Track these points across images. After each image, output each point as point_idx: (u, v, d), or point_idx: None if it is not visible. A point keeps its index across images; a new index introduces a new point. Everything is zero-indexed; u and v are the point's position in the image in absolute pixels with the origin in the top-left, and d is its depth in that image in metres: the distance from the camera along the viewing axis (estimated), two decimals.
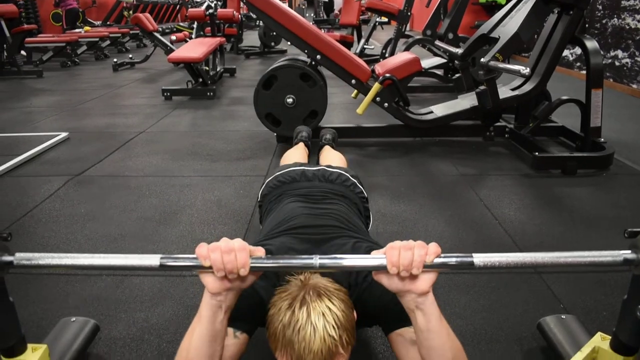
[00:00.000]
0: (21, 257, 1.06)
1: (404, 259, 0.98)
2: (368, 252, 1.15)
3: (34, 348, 1.23)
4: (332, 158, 2.47)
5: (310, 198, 1.60)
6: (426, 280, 1.01)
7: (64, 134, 3.89)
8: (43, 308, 1.75)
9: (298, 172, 1.78)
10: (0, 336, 1.16)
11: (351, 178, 1.78)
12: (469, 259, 1.03)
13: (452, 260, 1.03)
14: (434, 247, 1.01)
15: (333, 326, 1.03)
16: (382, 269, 1.01)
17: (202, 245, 1.02)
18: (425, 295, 1.02)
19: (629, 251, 1.05)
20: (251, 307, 1.20)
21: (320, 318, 1.03)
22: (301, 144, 2.75)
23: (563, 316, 1.55)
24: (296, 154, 2.50)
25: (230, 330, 1.18)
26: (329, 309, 1.05)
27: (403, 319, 1.13)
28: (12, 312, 1.16)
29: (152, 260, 1.05)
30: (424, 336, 1.06)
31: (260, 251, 1.04)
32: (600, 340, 1.24)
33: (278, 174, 1.80)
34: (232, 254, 0.99)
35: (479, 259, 1.02)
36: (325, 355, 1.01)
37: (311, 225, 1.40)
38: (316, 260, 1.04)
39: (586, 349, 1.23)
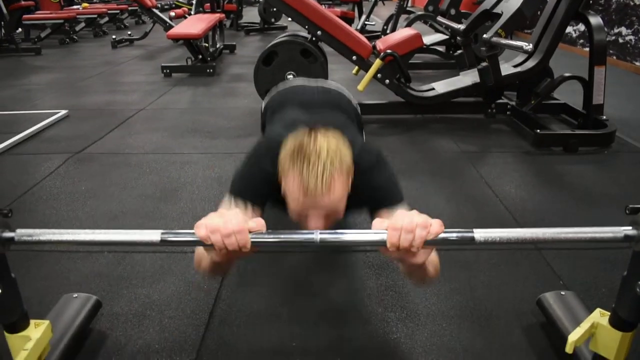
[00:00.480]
0: (22, 234, 1.06)
1: (405, 241, 0.99)
2: (359, 153, 1.34)
3: (36, 324, 1.24)
4: None
5: (309, 106, 1.71)
6: (423, 254, 1.03)
7: (63, 112, 3.87)
8: (45, 285, 1.76)
9: (299, 86, 1.94)
10: (3, 312, 1.16)
11: (347, 94, 1.91)
12: (469, 234, 1.03)
13: (453, 235, 1.03)
14: (436, 226, 1.01)
15: (335, 152, 1.18)
16: (382, 244, 1.01)
17: (200, 226, 1.02)
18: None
19: (630, 227, 1.05)
20: (263, 189, 1.35)
21: (324, 144, 1.19)
22: None
23: (562, 292, 1.56)
24: None
25: (249, 205, 1.32)
26: (333, 140, 1.21)
27: (384, 202, 1.34)
28: (15, 288, 1.17)
29: (153, 235, 1.05)
30: (409, 270, 1.21)
31: (259, 224, 1.04)
32: (599, 317, 1.24)
33: (281, 89, 1.94)
34: (232, 236, 1.00)
35: (480, 234, 1.02)
36: (327, 174, 1.15)
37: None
38: (317, 235, 1.04)
39: (585, 325, 1.23)
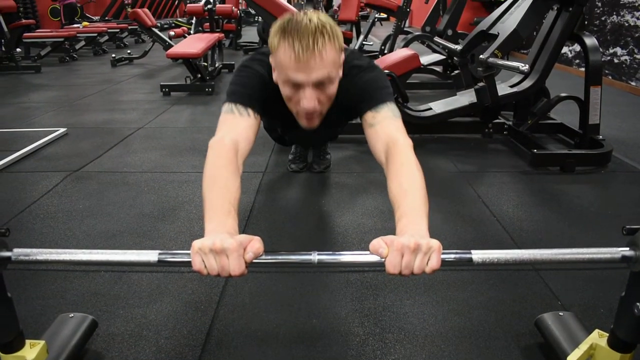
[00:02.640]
0: (19, 253, 1.06)
1: (405, 269, 0.99)
2: (351, 54, 1.45)
3: (32, 344, 1.23)
4: None
5: None
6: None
7: (62, 130, 3.88)
8: (41, 304, 1.75)
9: None
10: None
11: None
12: (467, 255, 1.03)
13: (451, 256, 1.03)
14: (434, 262, 1.00)
15: (326, 21, 1.21)
16: (380, 266, 1.01)
17: (196, 260, 0.99)
18: None
19: (627, 248, 1.05)
20: (259, 89, 1.38)
21: (314, 15, 1.21)
22: None
23: (561, 313, 1.55)
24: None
25: (250, 110, 1.35)
26: (324, 15, 1.23)
27: (370, 100, 1.38)
28: (10, 307, 1.16)
29: (150, 255, 1.05)
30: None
31: (256, 252, 1.01)
32: (598, 337, 1.24)
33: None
34: (227, 268, 0.98)
35: (478, 255, 1.03)
36: (318, 37, 1.17)
37: None
38: (315, 256, 1.04)
39: (584, 346, 1.23)
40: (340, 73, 1.33)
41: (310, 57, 1.18)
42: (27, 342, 1.23)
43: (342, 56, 1.32)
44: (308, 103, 1.25)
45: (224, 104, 1.40)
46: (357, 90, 1.39)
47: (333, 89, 1.30)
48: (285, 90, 1.31)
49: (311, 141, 2.67)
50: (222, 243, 0.97)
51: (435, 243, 1.00)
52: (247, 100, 1.37)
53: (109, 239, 2.23)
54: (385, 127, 1.35)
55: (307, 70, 1.20)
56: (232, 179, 1.20)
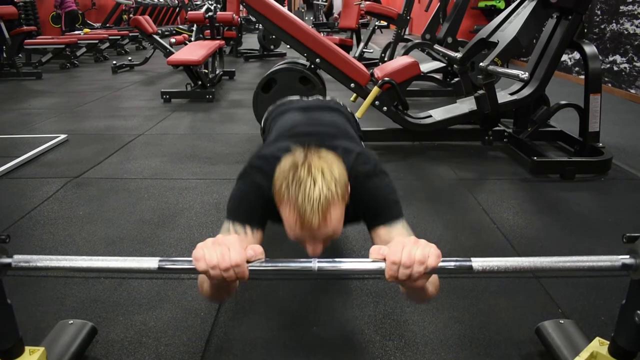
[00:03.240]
0: (19, 259, 1.06)
1: (402, 275, 1.00)
2: (357, 159, 1.37)
3: (31, 350, 1.23)
4: None
5: (308, 109, 1.75)
6: (423, 280, 1.03)
7: (62, 136, 3.88)
8: (41, 310, 1.75)
9: (298, 99, 1.99)
10: None
11: (343, 104, 1.95)
12: (467, 263, 1.03)
13: (451, 264, 1.03)
14: (433, 260, 1.01)
15: (330, 179, 1.16)
16: (380, 274, 1.01)
17: (199, 259, 1.01)
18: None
19: (628, 256, 1.05)
20: (257, 206, 1.34)
21: (319, 173, 1.16)
22: None
23: (561, 321, 1.55)
24: None
25: (248, 229, 1.31)
26: (327, 166, 1.19)
27: (383, 215, 1.34)
28: (10, 314, 1.16)
29: (151, 263, 1.05)
30: (409, 291, 1.20)
31: (257, 253, 1.04)
32: (599, 345, 1.24)
33: (278, 102, 1.97)
34: (231, 270, 1.00)
35: (478, 263, 1.03)
36: (323, 203, 1.14)
37: (309, 132, 1.54)
38: (315, 263, 1.04)
39: (584, 354, 1.23)
40: (344, 210, 1.24)
41: (314, 223, 1.14)
42: (27, 348, 1.23)
43: (347, 200, 1.24)
44: (313, 252, 1.20)
45: (224, 221, 1.35)
46: (367, 201, 1.33)
47: (338, 234, 1.24)
48: (288, 234, 1.23)
49: None
50: (224, 238, 1.03)
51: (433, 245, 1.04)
52: (245, 219, 1.32)
53: (109, 246, 2.23)
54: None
55: (311, 231, 1.17)
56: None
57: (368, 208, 1.35)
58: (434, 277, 1.23)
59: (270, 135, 1.73)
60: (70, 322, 1.55)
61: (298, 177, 1.16)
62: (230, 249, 1.00)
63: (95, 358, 1.51)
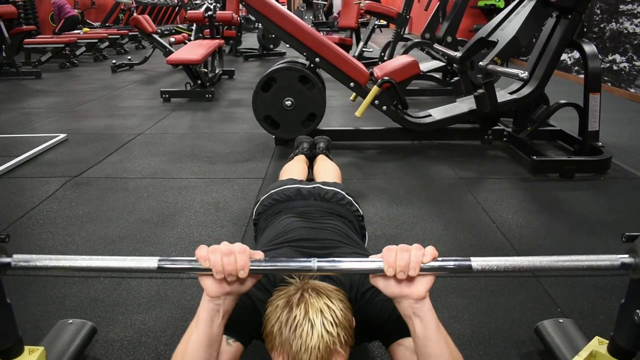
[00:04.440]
0: (19, 259, 1.06)
1: (401, 260, 0.98)
2: (364, 279, 1.18)
3: (31, 350, 1.23)
4: (327, 171, 2.47)
5: (307, 215, 1.60)
6: (423, 285, 1.00)
7: (62, 135, 3.88)
8: (40, 310, 1.75)
9: (293, 190, 1.78)
10: None
11: (347, 196, 1.78)
12: (467, 263, 1.03)
13: (450, 263, 1.03)
14: (430, 249, 1.01)
15: (331, 323, 1.01)
16: (379, 271, 1.01)
17: (201, 248, 1.02)
18: (422, 300, 1.01)
19: (627, 255, 1.05)
20: (247, 317, 1.18)
21: (318, 315, 1.01)
22: (302, 157, 2.76)
23: (561, 320, 1.55)
24: (295, 168, 2.51)
25: (224, 337, 1.14)
26: (327, 306, 1.03)
27: (402, 329, 1.11)
28: (10, 314, 1.16)
29: (150, 262, 1.04)
30: (422, 343, 1.02)
31: (259, 254, 1.05)
32: (598, 345, 1.24)
33: (272, 192, 1.80)
34: (232, 256, 0.99)
35: (477, 262, 1.02)
36: (323, 353, 0.98)
37: (310, 238, 1.41)
38: (314, 263, 1.03)
39: (584, 353, 1.23)
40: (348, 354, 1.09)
41: None
42: (26, 348, 1.23)
43: (352, 342, 1.08)
44: None
45: None
46: (377, 316, 1.19)
47: None
48: None
49: None
50: (228, 245, 1.01)
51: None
52: (231, 331, 1.16)
53: (109, 245, 2.23)
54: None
55: None
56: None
57: (379, 325, 1.21)
58: (455, 352, 1.08)
59: (265, 233, 1.60)
60: (69, 322, 1.55)
61: (293, 318, 1.01)
62: (236, 254, 1.00)
63: (94, 357, 1.52)
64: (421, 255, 0.99)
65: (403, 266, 0.98)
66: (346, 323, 1.04)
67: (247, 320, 1.18)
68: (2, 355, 1.18)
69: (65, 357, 1.40)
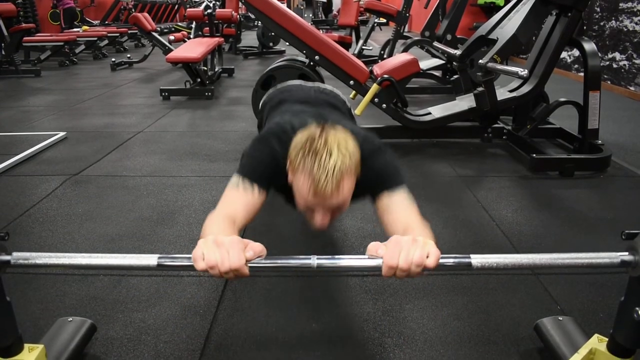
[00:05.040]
0: (18, 257, 1.06)
1: (400, 276, 0.99)
2: (364, 140, 1.40)
3: (30, 348, 1.23)
4: None
5: (308, 103, 1.78)
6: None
7: (61, 134, 3.88)
8: (40, 308, 1.75)
9: (296, 84, 2.03)
10: None
11: (342, 96, 2.03)
12: (466, 260, 1.03)
13: (450, 261, 1.03)
14: (432, 260, 1.00)
15: (346, 150, 1.22)
16: (379, 269, 1.01)
17: (198, 259, 1.01)
18: None
19: (626, 253, 1.05)
20: (271, 170, 1.38)
21: (335, 144, 1.22)
22: None
23: (560, 318, 1.55)
24: None
25: (255, 187, 1.35)
26: (344, 139, 1.25)
27: (384, 182, 1.39)
28: (9, 311, 1.16)
29: (150, 260, 1.05)
30: None
31: (256, 252, 1.04)
32: (598, 342, 1.24)
33: (279, 86, 2.04)
34: (230, 273, 1.00)
35: (477, 260, 1.03)
36: (337, 174, 1.19)
37: (318, 115, 1.60)
38: (314, 260, 1.04)
39: (583, 351, 1.23)
40: (354, 184, 1.31)
41: (327, 192, 1.20)
42: (26, 346, 1.23)
43: (358, 174, 1.31)
44: (321, 223, 1.27)
45: (234, 175, 1.39)
46: (373, 174, 1.39)
47: (346, 207, 1.32)
48: (299, 204, 1.31)
49: None
50: (224, 239, 1.02)
51: (431, 241, 1.03)
52: (255, 177, 1.36)
53: (108, 243, 2.23)
54: (403, 213, 1.36)
55: (323, 200, 1.22)
56: (230, 231, 1.21)
57: (372, 180, 1.40)
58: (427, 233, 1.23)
59: (268, 119, 1.78)
60: (69, 320, 1.55)
61: (314, 148, 1.22)
62: (230, 251, 0.99)
63: (94, 355, 1.52)
64: (421, 270, 0.99)
65: (404, 266, 0.98)
66: (355, 156, 1.27)
67: (268, 171, 1.38)
68: (2, 353, 1.18)
69: (65, 354, 1.40)
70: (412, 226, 1.25)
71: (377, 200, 1.40)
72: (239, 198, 1.34)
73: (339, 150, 1.22)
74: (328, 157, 1.20)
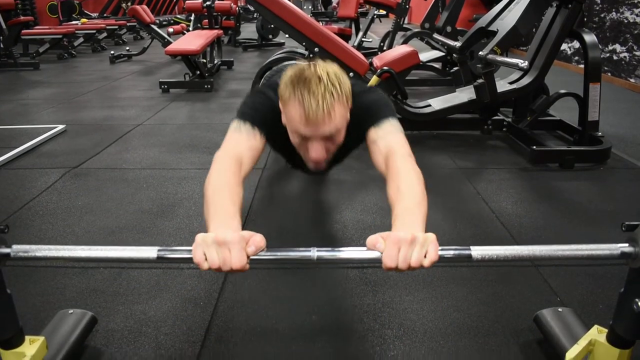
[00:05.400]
0: (18, 249, 1.06)
1: (402, 262, 0.98)
2: (355, 83, 1.43)
3: (31, 340, 1.24)
4: None
5: None
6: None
7: (61, 127, 3.87)
8: (41, 300, 1.75)
9: (292, 63, 1.98)
10: None
11: None
12: (467, 252, 1.03)
13: (450, 252, 1.03)
14: (432, 255, 0.99)
15: (335, 77, 1.24)
16: (378, 261, 1.00)
17: (201, 260, 0.99)
18: None
19: (626, 244, 1.05)
20: (269, 117, 1.41)
21: (324, 72, 1.24)
22: None
23: (560, 309, 1.56)
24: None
25: (257, 131, 1.38)
26: (333, 69, 1.27)
27: (372, 117, 1.39)
28: (10, 304, 1.16)
29: (150, 252, 1.04)
30: None
31: (257, 247, 1.01)
32: (597, 333, 1.24)
33: (274, 67, 2.12)
34: (228, 265, 0.97)
35: (477, 251, 1.03)
36: (328, 100, 1.20)
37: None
38: (314, 252, 1.04)
39: (583, 342, 1.23)
40: (348, 116, 1.34)
41: (319, 117, 1.21)
42: (27, 338, 1.23)
43: (350, 105, 1.33)
44: (316, 154, 1.29)
45: (232, 121, 1.42)
46: (360, 112, 1.41)
47: (341, 138, 1.34)
48: (293, 138, 1.34)
49: (316, 174, 2.66)
50: (225, 236, 0.98)
51: (431, 236, 1.00)
52: (255, 121, 1.39)
53: (109, 236, 2.23)
54: (386, 141, 1.36)
55: (316, 127, 1.24)
56: (237, 187, 1.21)
57: (360, 117, 1.41)
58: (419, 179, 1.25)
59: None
60: (70, 312, 1.55)
61: (304, 76, 1.24)
62: (232, 251, 0.97)
63: (95, 347, 1.52)
64: (423, 255, 0.98)
65: (403, 267, 0.98)
66: (346, 85, 1.28)
67: (267, 118, 1.41)
68: (3, 345, 1.19)
69: (66, 347, 1.40)
70: (392, 156, 1.27)
71: (367, 139, 1.41)
72: (244, 141, 1.37)
73: (329, 77, 1.23)
74: (317, 82, 1.21)
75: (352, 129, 1.38)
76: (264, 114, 1.42)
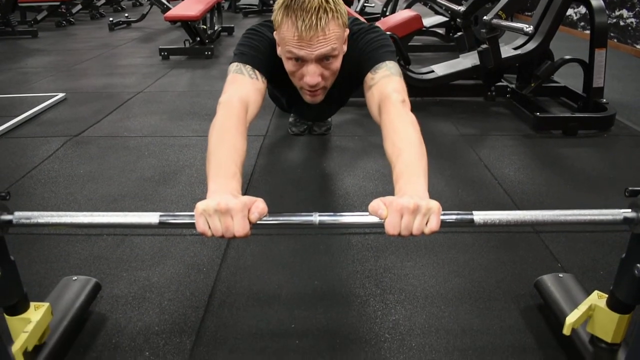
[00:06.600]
0: (20, 216, 1.06)
1: (405, 229, 0.98)
2: (354, 21, 1.45)
3: (36, 306, 1.25)
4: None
5: None
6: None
7: (61, 95, 3.85)
8: (44, 268, 1.76)
9: None
10: (3, 295, 1.16)
11: None
12: (469, 217, 1.03)
13: (452, 217, 1.03)
14: (433, 226, 0.99)
15: None
16: (380, 227, 1.00)
17: (204, 228, 0.99)
18: None
19: (629, 210, 1.05)
20: (268, 56, 1.39)
21: None
22: None
23: (560, 275, 1.56)
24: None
25: (257, 73, 1.35)
26: None
27: (368, 61, 1.37)
28: (14, 271, 1.17)
29: (152, 217, 1.05)
30: None
31: (260, 213, 1.01)
32: (597, 299, 1.25)
33: None
34: (231, 232, 0.98)
35: (479, 216, 1.02)
36: (321, 16, 1.17)
37: None
38: (316, 217, 1.03)
39: (583, 307, 1.24)
40: (345, 48, 1.31)
41: (313, 35, 1.18)
42: (32, 304, 1.24)
43: (346, 32, 1.29)
44: (311, 78, 1.25)
45: (231, 64, 1.39)
46: (358, 52, 1.38)
47: (337, 64, 1.29)
48: (288, 65, 1.30)
49: (316, 115, 2.64)
50: (227, 203, 0.97)
51: (435, 204, 1.00)
52: (256, 63, 1.36)
53: (111, 203, 2.23)
54: (380, 85, 1.33)
55: (310, 46, 1.20)
56: (240, 140, 1.19)
57: (358, 58, 1.39)
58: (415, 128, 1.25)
59: None
60: (74, 279, 1.56)
61: None
62: (235, 218, 0.97)
63: (100, 313, 1.54)
64: (424, 224, 0.98)
65: (405, 234, 0.98)
66: (343, 6, 1.23)
67: (266, 57, 1.40)
68: (7, 311, 1.20)
69: (71, 312, 1.42)
70: (385, 104, 1.25)
71: (364, 85, 1.39)
72: (247, 83, 1.34)
73: None
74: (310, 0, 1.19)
75: (352, 68, 1.35)
76: (262, 52, 1.40)
